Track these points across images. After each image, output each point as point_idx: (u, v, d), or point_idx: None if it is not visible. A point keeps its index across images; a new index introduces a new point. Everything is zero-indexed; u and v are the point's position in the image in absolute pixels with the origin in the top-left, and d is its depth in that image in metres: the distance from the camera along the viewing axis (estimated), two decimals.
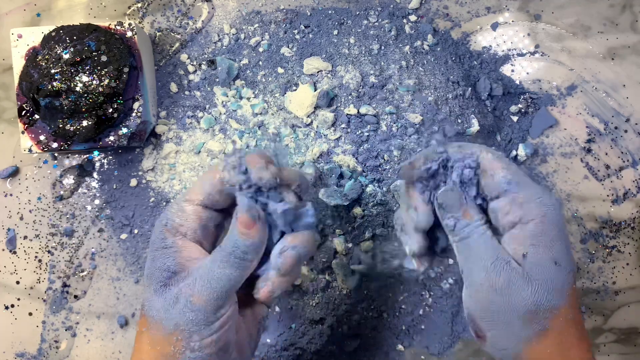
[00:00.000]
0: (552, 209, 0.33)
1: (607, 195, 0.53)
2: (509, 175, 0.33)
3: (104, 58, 0.46)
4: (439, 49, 0.52)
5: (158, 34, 0.54)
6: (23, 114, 0.48)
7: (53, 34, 0.47)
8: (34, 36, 0.48)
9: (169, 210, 0.36)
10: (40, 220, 0.53)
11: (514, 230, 0.33)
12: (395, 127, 0.49)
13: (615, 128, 0.54)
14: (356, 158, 0.49)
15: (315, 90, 0.49)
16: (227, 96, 0.51)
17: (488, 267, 0.33)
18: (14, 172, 0.53)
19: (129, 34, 0.49)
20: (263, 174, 0.35)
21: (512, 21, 0.54)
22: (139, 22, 0.54)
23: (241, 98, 0.51)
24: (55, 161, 0.53)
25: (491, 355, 0.35)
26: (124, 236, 0.52)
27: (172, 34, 0.54)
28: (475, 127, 0.50)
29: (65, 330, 0.52)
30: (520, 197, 0.33)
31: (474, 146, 0.36)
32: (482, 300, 0.33)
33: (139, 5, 0.54)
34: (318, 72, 0.50)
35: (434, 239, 0.38)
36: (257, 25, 0.53)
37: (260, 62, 0.51)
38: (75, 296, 0.52)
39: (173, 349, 0.33)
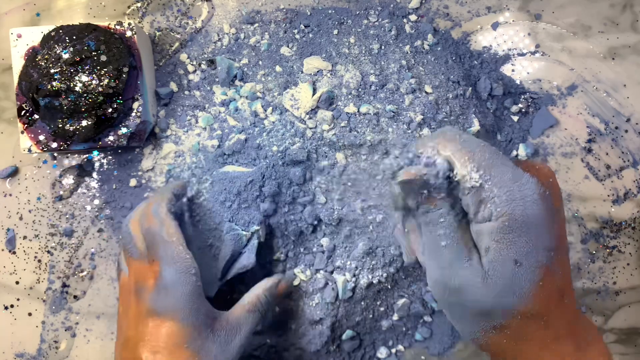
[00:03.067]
0: (521, 204, 0.30)
1: (608, 195, 0.53)
2: (475, 169, 0.31)
3: (103, 58, 0.46)
4: (439, 48, 0.52)
5: (158, 33, 0.54)
6: (22, 113, 0.48)
7: (52, 33, 0.47)
8: (34, 36, 0.48)
9: (186, 260, 0.39)
10: (39, 221, 0.53)
11: (483, 224, 0.31)
12: (395, 126, 0.48)
13: (616, 128, 0.53)
14: None
15: (314, 90, 0.49)
16: (227, 95, 0.51)
17: (445, 267, 0.31)
18: (14, 172, 0.53)
19: (129, 33, 0.49)
20: None
21: (513, 21, 0.54)
22: (139, 22, 0.54)
23: (240, 97, 0.51)
24: (55, 161, 0.53)
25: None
26: None
27: (172, 34, 0.54)
28: (475, 126, 0.50)
29: (65, 330, 0.52)
30: (488, 193, 0.30)
31: (435, 138, 0.33)
32: (438, 294, 0.33)
33: (139, 4, 0.54)
34: (318, 71, 0.50)
35: None
36: (257, 25, 0.53)
37: (260, 62, 0.51)
38: (75, 296, 0.52)
39: None
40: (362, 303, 0.50)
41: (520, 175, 0.30)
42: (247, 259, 0.45)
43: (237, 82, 0.51)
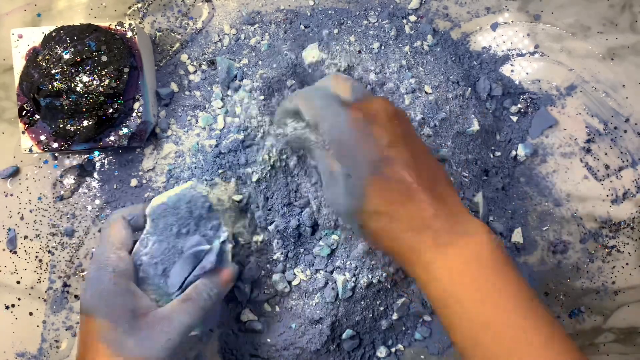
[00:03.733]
0: (337, 132, 0.38)
1: (607, 195, 0.53)
2: (311, 113, 0.40)
3: (104, 58, 0.46)
4: (438, 49, 0.52)
5: (158, 34, 0.54)
6: (23, 114, 0.48)
7: (53, 34, 0.47)
8: (35, 36, 0.48)
9: (108, 259, 0.41)
10: (40, 220, 0.53)
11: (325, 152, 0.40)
12: None
13: (615, 128, 0.54)
14: None
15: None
16: (227, 95, 0.51)
17: (328, 187, 0.40)
18: (15, 172, 0.53)
19: (129, 34, 0.49)
20: None
21: (512, 21, 0.54)
22: (139, 23, 0.54)
23: (239, 97, 0.51)
24: (56, 161, 0.53)
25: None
26: None
27: (173, 34, 0.54)
28: (475, 127, 0.50)
29: (66, 330, 0.52)
30: (320, 128, 0.39)
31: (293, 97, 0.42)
32: (334, 208, 0.41)
33: (139, 5, 0.54)
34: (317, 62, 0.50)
35: None
36: (257, 25, 0.53)
37: (260, 62, 0.51)
38: (76, 296, 0.52)
39: None
40: (362, 302, 0.50)
41: (337, 111, 0.38)
42: (206, 261, 0.43)
43: (237, 82, 0.52)
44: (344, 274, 0.49)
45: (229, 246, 0.45)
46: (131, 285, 0.41)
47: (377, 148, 0.37)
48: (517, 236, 0.53)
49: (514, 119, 0.54)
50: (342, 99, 0.40)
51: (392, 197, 0.37)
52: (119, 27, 0.49)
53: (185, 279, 0.42)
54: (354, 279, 0.49)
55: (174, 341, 0.39)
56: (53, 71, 0.46)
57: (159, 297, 0.43)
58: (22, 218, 0.53)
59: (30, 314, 0.52)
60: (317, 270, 0.50)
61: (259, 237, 0.49)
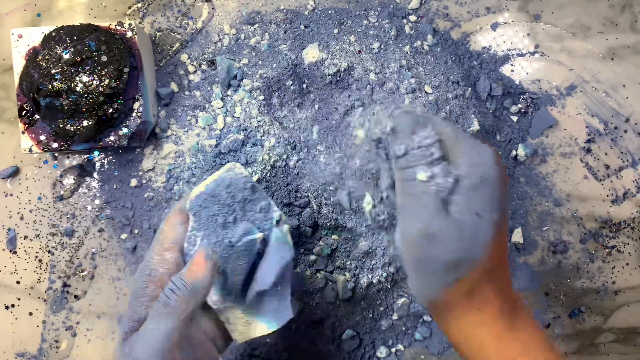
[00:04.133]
0: (481, 167, 0.33)
1: (607, 195, 0.53)
2: (445, 141, 0.34)
3: (104, 58, 0.46)
4: (439, 49, 0.52)
5: (158, 34, 0.54)
6: (23, 114, 0.48)
7: (53, 34, 0.47)
8: (34, 36, 0.48)
9: (150, 260, 0.37)
10: (40, 220, 0.53)
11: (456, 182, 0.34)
12: None
13: (615, 128, 0.54)
14: None
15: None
16: (227, 94, 0.51)
17: (427, 218, 0.33)
18: (15, 172, 0.53)
19: (129, 34, 0.49)
20: None
21: (512, 21, 0.54)
22: (139, 22, 0.54)
23: (239, 97, 0.51)
24: (56, 161, 0.53)
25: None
26: (124, 236, 0.52)
27: (172, 34, 0.54)
28: (475, 126, 0.50)
29: (66, 330, 0.52)
30: (454, 158, 0.34)
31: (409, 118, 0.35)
32: (413, 248, 0.34)
33: (139, 5, 0.54)
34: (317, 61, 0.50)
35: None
36: (257, 25, 0.53)
37: (260, 62, 0.51)
38: (76, 296, 0.52)
39: None
40: (362, 303, 0.50)
41: (480, 145, 0.34)
42: (284, 252, 0.39)
43: (236, 82, 0.52)
44: (344, 274, 0.49)
45: (284, 227, 0.40)
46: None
47: (504, 199, 0.34)
48: (517, 236, 0.53)
49: (514, 119, 0.54)
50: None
51: (502, 254, 0.34)
52: (118, 27, 0.49)
53: (249, 278, 0.39)
54: (354, 279, 0.49)
55: (154, 351, 0.34)
56: (53, 71, 0.46)
57: (220, 298, 0.39)
58: (22, 218, 0.53)
59: (30, 314, 0.52)
60: (317, 270, 0.50)
61: None
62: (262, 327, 0.40)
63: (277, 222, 0.40)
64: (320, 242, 0.49)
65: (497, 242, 0.33)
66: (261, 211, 0.40)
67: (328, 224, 0.48)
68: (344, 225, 0.48)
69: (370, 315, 0.51)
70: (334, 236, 0.49)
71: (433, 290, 0.34)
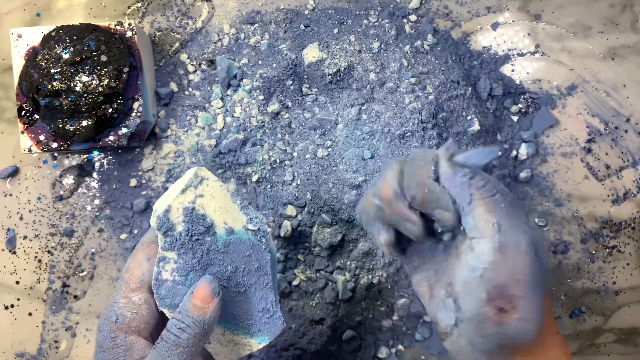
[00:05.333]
0: (522, 254, 0.32)
1: (608, 195, 0.53)
2: (494, 218, 0.32)
3: (103, 58, 0.46)
4: (439, 48, 0.52)
5: (158, 33, 0.54)
6: (23, 113, 0.48)
7: (53, 33, 0.47)
8: (34, 36, 0.48)
9: (115, 304, 0.34)
10: (40, 220, 0.53)
11: None
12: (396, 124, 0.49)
13: (616, 128, 0.53)
14: None
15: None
16: (227, 94, 0.51)
17: (481, 301, 0.31)
18: (14, 172, 0.53)
19: (129, 33, 0.49)
20: None
21: (513, 21, 0.54)
22: (139, 22, 0.54)
23: (239, 97, 0.51)
24: (55, 161, 0.53)
25: None
26: (123, 236, 0.52)
27: (172, 34, 0.54)
28: (476, 126, 0.50)
29: (65, 330, 0.52)
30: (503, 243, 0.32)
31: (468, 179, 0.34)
32: (478, 328, 0.32)
33: (139, 5, 0.54)
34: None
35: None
36: (257, 25, 0.53)
37: (260, 62, 0.51)
38: (75, 296, 0.52)
39: None
40: (362, 303, 0.50)
41: (522, 225, 0.33)
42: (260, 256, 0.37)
43: (236, 82, 0.51)
44: (344, 274, 0.49)
45: (265, 229, 0.37)
46: (132, 339, 0.33)
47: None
48: None
49: (515, 118, 0.54)
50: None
51: (552, 320, 0.34)
52: (118, 27, 0.49)
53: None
54: (354, 279, 0.49)
55: None
56: (52, 71, 0.46)
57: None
58: (21, 218, 0.53)
59: (30, 314, 0.52)
60: (317, 271, 0.50)
61: None
62: (251, 343, 0.37)
63: (256, 228, 0.37)
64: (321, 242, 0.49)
65: (549, 307, 0.33)
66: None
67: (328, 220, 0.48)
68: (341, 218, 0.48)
69: (371, 315, 0.51)
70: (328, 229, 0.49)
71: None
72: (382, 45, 0.51)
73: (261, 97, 0.50)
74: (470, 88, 0.51)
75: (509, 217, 0.32)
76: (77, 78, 0.46)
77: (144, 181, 0.52)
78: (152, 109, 0.51)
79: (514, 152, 0.53)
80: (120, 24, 0.49)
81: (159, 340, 0.32)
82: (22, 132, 0.48)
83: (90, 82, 0.46)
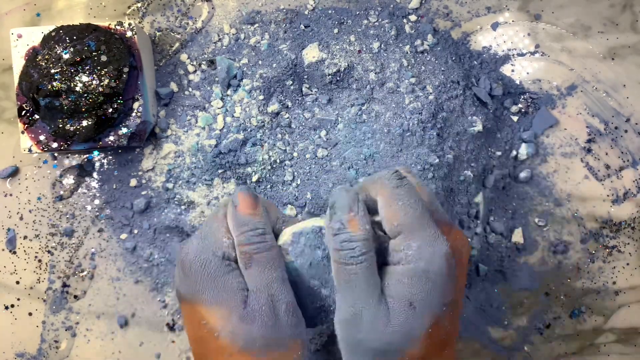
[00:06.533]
0: (428, 258, 0.32)
1: (607, 195, 0.53)
2: (403, 220, 0.33)
3: (103, 58, 0.46)
4: (439, 48, 0.52)
5: (158, 33, 0.54)
6: (23, 114, 0.48)
7: (53, 33, 0.47)
8: (34, 36, 0.48)
9: (218, 242, 0.34)
10: (40, 220, 0.53)
11: (391, 266, 0.33)
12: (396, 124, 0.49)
13: (616, 128, 0.53)
14: None
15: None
16: (227, 94, 0.51)
17: (358, 307, 0.32)
18: (14, 172, 0.53)
19: (129, 33, 0.49)
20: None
21: (512, 21, 0.54)
22: (139, 22, 0.54)
23: (239, 97, 0.51)
24: (55, 161, 0.53)
25: None
26: (124, 236, 0.52)
27: (172, 34, 0.54)
28: (478, 126, 0.50)
29: (65, 330, 0.52)
30: (405, 242, 0.32)
31: (373, 182, 0.35)
32: (345, 333, 0.34)
33: (139, 5, 0.54)
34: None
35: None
36: (257, 25, 0.53)
37: (260, 62, 0.51)
38: (75, 296, 0.52)
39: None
40: None
41: (436, 235, 0.33)
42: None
43: (236, 82, 0.51)
44: None
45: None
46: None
47: (451, 290, 0.33)
48: (517, 236, 0.52)
49: (515, 118, 0.54)
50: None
51: (436, 346, 0.33)
52: (118, 27, 0.49)
53: None
54: None
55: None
56: (52, 71, 0.46)
57: None
58: (21, 218, 0.53)
59: (30, 314, 0.52)
60: None
61: None
62: None
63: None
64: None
65: (434, 335, 0.32)
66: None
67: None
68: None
69: None
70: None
71: None
72: (382, 45, 0.51)
73: (261, 97, 0.50)
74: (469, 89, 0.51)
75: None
76: (77, 78, 0.46)
77: (144, 181, 0.52)
78: (152, 109, 0.51)
79: (514, 152, 0.53)
80: (120, 24, 0.49)
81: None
82: (22, 132, 0.48)
83: (90, 82, 0.46)
